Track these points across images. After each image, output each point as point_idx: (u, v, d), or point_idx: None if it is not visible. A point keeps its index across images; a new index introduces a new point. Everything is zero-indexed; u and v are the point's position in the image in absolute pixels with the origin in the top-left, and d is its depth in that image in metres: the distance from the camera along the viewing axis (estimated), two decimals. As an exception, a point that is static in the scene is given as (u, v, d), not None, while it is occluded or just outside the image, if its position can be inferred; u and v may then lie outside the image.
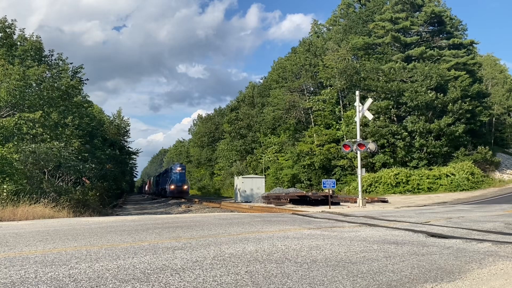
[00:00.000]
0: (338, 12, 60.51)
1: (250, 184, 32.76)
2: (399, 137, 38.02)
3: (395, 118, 40.48)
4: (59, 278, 3.47)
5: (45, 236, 6.26)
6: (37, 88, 19.53)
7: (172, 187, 46.19)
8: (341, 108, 43.53)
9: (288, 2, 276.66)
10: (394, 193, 34.01)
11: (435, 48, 42.55)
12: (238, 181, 33.72)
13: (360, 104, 20.72)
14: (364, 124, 34.44)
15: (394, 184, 35.17)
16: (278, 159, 49.34)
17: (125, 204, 36.59)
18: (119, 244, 5.37)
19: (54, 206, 12.53)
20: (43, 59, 23.24)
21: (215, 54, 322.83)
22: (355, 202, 20.76)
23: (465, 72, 40.41)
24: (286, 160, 46.58)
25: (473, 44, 46.22)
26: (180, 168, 49.27)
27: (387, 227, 7.66)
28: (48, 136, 18.25)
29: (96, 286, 3.23)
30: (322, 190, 27.16)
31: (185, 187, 47.97)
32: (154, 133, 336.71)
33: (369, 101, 21.14)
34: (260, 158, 53.99)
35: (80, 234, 6.49)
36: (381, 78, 39.55)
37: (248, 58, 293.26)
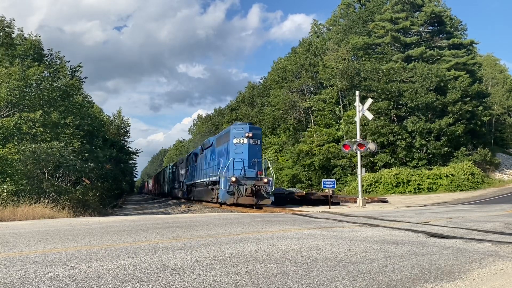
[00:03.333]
0: (338, 12, 60.55)
1: None
2: (399, 137, 38.04)
3: (395, 119, 40.49)
4: (59, 278, 3.47)
5: (45, 236, 6.26)
6: (36, 88, 19.53)
7: (234, 179, 18.25)
8: (341, 108, 43.54)
9: (289, 2, 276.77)
10: (394, 193, 34.00)
11: (435, 48, 42.57)
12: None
13: (360, 104, 20.73)
14: (364, 124, 34.46)
15: (394, 184, 35.18)
16: (278, 159, 49.35)
17: (125, 204, 36.57)
18: (119, 244, 5.37)
19: (54, 206, 12.51)
20: (42, 58, 23.25)
21: (216, 54, 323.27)
22: (355, 202, 20.76)
23: (465, 72, 40.42)
24: (286, 160, 46.56)
25: (473, 44, 46.24)
26: (250, 134, 19.18)
27: (387, 227, 7.65)
28: (48, 136, 18.25)
29: (96, 286, 3.23)
30: (322, 190, 27.13)
31: (266, 180, 18.84)
32: (154, 133, 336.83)
33: (369, 101, 21.15)
34: (260, 158, 53.88)
35: (80, 234, 6.49)
36: (381, 79, 39.57)
37: (249, 58, 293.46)
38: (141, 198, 62.70)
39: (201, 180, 24.29)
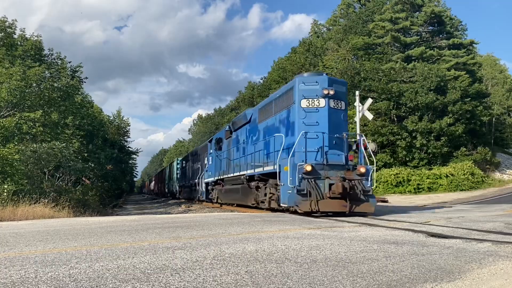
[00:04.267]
0: (338, 12, 60.55)
1: None
2: (399, 137, 38.07)
3: (395, 119, 40.51)
4: (59, 278, 3.47)
5: (45, 236, 6.26)
6: (37, 88, 19.56)
7: (309, 168, 10.28)
8: (341, 108, 43.52)
9: (290, 2, 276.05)
10: (394, 193, 34.00)
11: (435, 48, 42.58)
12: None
13: (360, 104, 20.71)
14: (364, 124, 34.46)
15: (394, 184, 35.19)
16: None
17: (125, 204, 36.58)
18: (119, 244, 5.37)
19: (54, 206, 12.54)
20: (43, 58, 23.24)
21: (216, 54, 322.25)
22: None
23: (465, 72, 40.45)
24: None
25: (473, 44, 46.28)
26: (331, 91, 11.04)
27: (387, 227, 7.66)
28: (49, 136, 18.28)
29: (96, 286, 3.23)
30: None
31: (363, 169, 10.79)
32: (154, 133, 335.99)
33: (369, 101, 21.14)
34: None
35: (80, 234, 6.49)
36: (382, 79, 39.60)
37: (249, 58, 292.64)
38: (141, 198, 62.68)
39: (233, 174, 16.71)
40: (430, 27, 45.69)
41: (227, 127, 19.40)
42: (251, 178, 14.11)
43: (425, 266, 3.97)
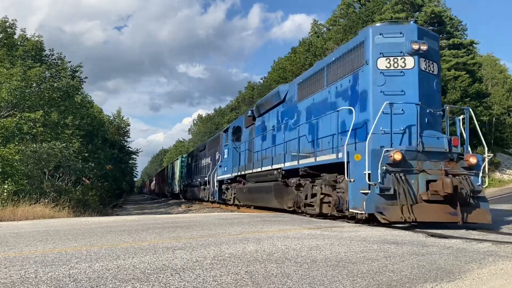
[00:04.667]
0: (338, 12, 60.56)
1: None
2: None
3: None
4: (59, 278, 3.47)
5: (45, 236, 6.27)
6: (37, 89, 19.56)
7: (399, 156, 7.13)
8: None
9: (290, 2, 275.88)
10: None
11: (435, 48, 42.64)
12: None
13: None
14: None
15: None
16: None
17: (125, 204, 36.58)
18: (119, 244, 5.37)
19: (54, 206, 12.55)
20: (43, 59, 23.23)
21: (216, 54, 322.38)
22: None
23: (465, 72, 40.47)
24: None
25: (473, 44, 46.32)
26: (423, 46, 7.72)
27: (387, 227, 7.65)
28: (49, 136, 18.28)
29: (96, 286, 3.23)
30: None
31: (473, 160, 7.47)
32: (154, 133, 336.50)
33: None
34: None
35: (80, 234, 6.50)
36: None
37: (249, 58, 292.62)
38: (141, 198, 62.63)
39: (260, 169, 13.15)
40: (430, 27, 45.65)
41: (249, 112, 16.17)
42: (289, 173, 11.01)
43: (425, 266, 3.97)
